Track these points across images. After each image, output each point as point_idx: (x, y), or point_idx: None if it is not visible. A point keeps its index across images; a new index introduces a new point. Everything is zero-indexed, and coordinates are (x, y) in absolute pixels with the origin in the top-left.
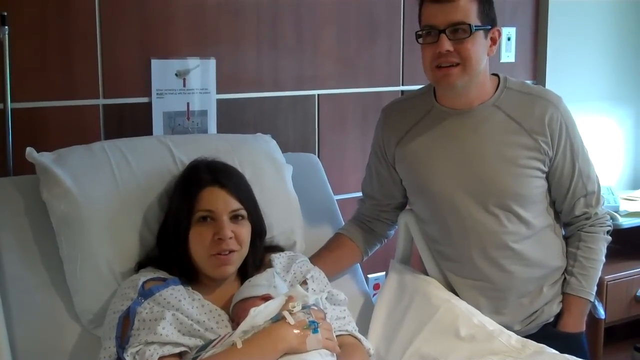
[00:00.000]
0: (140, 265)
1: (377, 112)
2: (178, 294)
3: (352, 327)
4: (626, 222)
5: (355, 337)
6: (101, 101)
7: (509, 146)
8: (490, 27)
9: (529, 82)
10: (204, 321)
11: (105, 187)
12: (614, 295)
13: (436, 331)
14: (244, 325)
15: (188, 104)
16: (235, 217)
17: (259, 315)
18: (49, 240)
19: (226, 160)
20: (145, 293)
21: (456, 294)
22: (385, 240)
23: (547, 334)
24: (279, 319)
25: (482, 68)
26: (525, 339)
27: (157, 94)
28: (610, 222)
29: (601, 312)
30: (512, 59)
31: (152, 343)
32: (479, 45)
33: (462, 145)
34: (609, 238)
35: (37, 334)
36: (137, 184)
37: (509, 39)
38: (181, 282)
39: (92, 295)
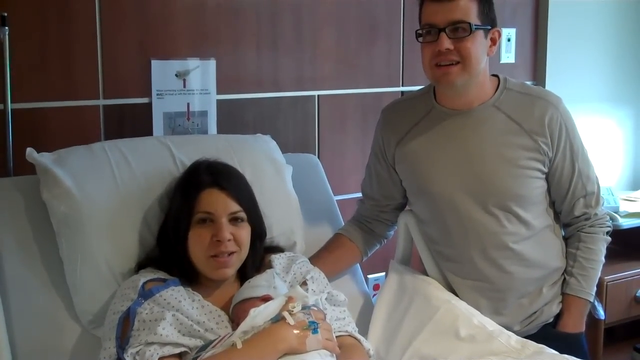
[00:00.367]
0: (140, 266)
1: (377, 113)
2: (178, 295)
3: (352, 327)
4: (626, 223)
5: (355, 338)
6: (101, 102)
7: (508, 147)
8: (490, 27)
9: (528, 83)
10: (204, 322)
11: (105, 188)
12: (613, 295)
13: (436, 332)
14: (243, 326)
15: (188, 104)
16: (234, 220)
17: (258, 315)
18: (49, 241)
19: (226, 161)
20: (146, 294)
21: (456, 294)
22: (385, 241)
23: (547, 335)
24: (278, 319)
25: (482, 68)
26: (525, 339)
27: (157, 94)
28: (610, 223)
29: (601, 313)
30: (512, 60)
31: (152, 343)
32: (478, 44)
33: (462, 145)
34: (609, 239)
35: (37, 334)
36: (138, 184)
37: (509, 40)
38: (181, 283)
39: (92, 295)
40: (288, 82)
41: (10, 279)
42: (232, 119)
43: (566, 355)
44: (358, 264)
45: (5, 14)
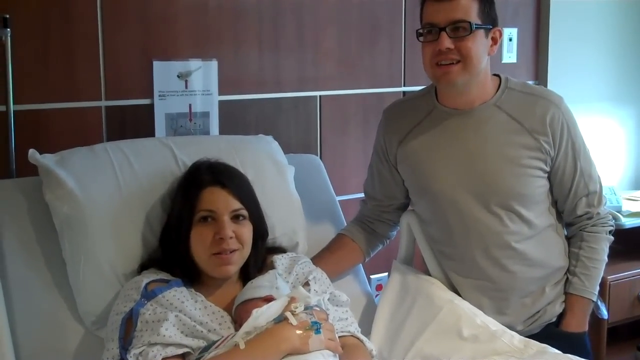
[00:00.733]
0: (143, 267)
1: (379, 113)
2: (181, 296)
3: (355, 328)
4: (629, 223)
5: (358, 338)
6: (103, 103)
7: (510, 146)
8: (491, 26)
9: (530, 82)
10: (206, 322)
11: (107, 189)
12: (616, 295)
13: (439, 331)
14: (246, 327)
15: (190, 105)
16: (236, 217)
17: (261, 316)
18: (52, 242)
19: (228, 162)
20: (148, 294)
21: (459, 294)
22: (388, 241)
23: (550, 334)
24: (281, 320)
25: (483, 67)
26: (527, 339)
27: (159, 95)
28: (612, 222)
29: (604, 312)
30: (513, 60)
31: (155, 344)
32: (479, 43)
33: (464, 145)
34: (612, 238)
35: (40, 335)
36: (140, 185)
37: (510, 39)
38: (184, 284)
39: (95, 296)
40: (290, 83)
41: (14, 280)
42: (234, 120)
43: (569, 355)
44: (361, 264)
45: (7, 16)
